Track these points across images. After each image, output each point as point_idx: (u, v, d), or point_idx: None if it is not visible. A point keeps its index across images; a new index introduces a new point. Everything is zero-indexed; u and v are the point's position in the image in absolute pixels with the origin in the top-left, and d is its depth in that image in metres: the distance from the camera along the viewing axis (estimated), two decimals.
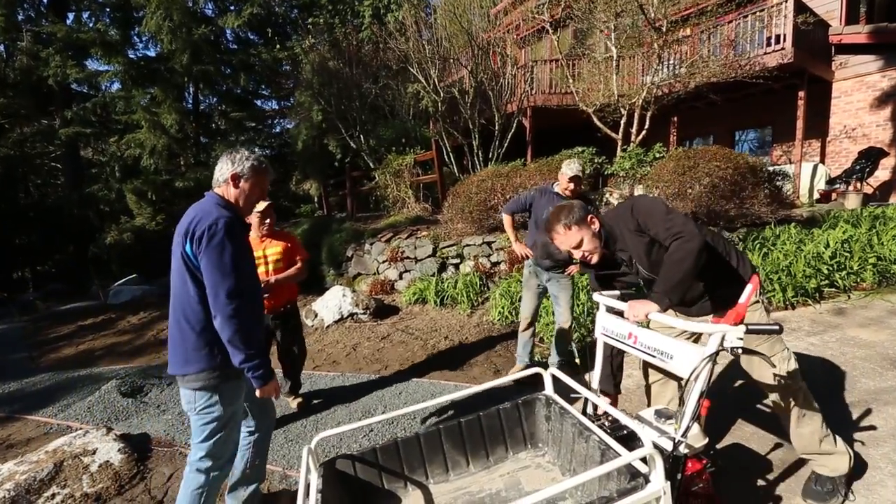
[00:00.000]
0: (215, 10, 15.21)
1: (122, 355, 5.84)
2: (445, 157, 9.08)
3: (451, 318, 5.37)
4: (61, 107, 14.75)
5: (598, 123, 8.23)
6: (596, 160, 7.91)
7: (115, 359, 5.71)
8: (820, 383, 2.90)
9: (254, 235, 3.23)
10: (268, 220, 3.24)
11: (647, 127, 7.60)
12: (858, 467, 2.18)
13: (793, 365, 1.92)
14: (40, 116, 15.28)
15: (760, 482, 2.21)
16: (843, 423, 2.55)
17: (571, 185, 3.28)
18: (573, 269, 3.38)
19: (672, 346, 1.58)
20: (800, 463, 2.25)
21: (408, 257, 6.58)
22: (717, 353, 1.46)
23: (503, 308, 5.02)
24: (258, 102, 17.49)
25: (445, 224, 6.84)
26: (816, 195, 8.75)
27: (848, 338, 3.65)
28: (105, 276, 12.13)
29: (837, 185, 8.48)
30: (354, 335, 5.21)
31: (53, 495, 2.71)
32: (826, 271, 4.44)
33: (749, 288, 1.52)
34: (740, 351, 1.45)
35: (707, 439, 1.77)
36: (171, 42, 13.52)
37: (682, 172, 5.74)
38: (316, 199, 16.81)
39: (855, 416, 2.67)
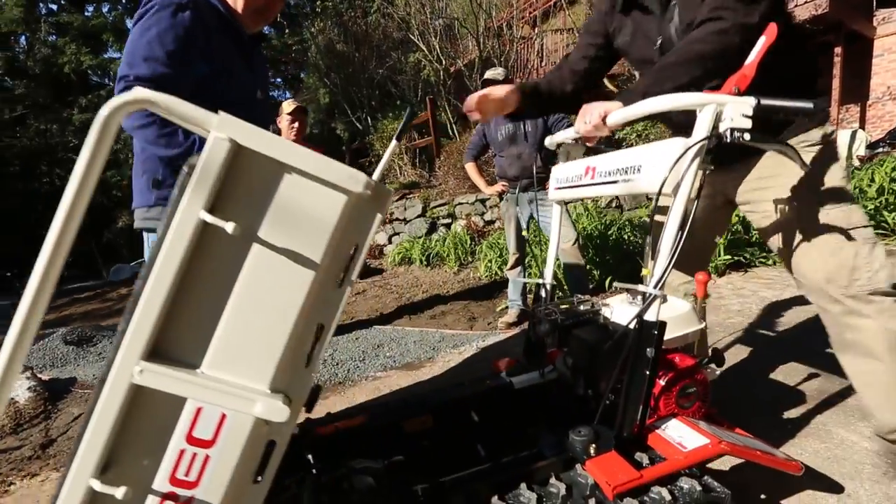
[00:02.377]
0: None
1: (97, 318, 5.58)
2: (450, 130, 8.61)
3: (435, 276, 4.88)
4: (78, 96, 15.00)
5: (612, 87, 7.64)
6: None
7: (89, 321, 5.45)
8: None
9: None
10: (296, 125, 3.02)
11: None
12: None
13: (878, 259, 1.14)
14: (60, 107, 15.57)
15: (791, 414, 1.64)
16: None
17: None
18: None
19: (641, 155, 1.03)
20: (846, 392, 1.67)
21: (397, 219, 6.12)
22: (707, 139, 0.91)
23: (490, 261, 4.49)
24: None
25: (439, 185, 6.36)
26: (856, 162, 7.86)
27: None
28: (119, 261, 12.14)
29: (881, 148, 7.59)
30: None
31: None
32: (872, 209, 3.73)
33: (762, 39, 0.95)
34: (746, 138, 0.90)
35: (704, 325, 1.23)
36: None
37: None
38: None
39: None
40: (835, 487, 1.28)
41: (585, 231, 4.06)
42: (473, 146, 3.17)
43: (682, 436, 1.01)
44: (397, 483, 1.12)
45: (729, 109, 0.90)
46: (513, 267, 3.15)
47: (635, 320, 0.97)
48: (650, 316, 0.97)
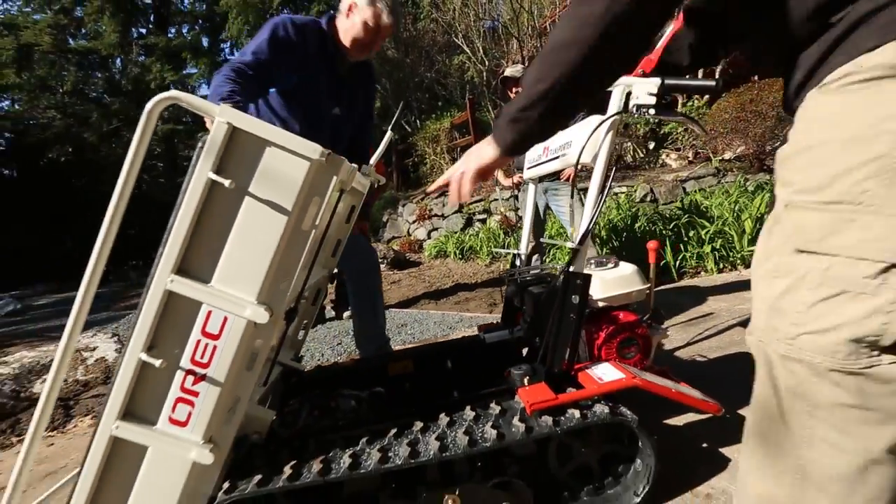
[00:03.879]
0: (290, 12, 16.40)
1: None
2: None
3: (467, 268, 5.11)
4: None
5: None
6: (651, 119, 7.23)
7: None
8: None
9: None
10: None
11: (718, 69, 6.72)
12: None
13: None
14: None
15: None
16: None
17: None
18: (569, 172, 2.98)
19: (572, 133, 1.22)
20: None
21: (435, 215, 6.42)
22: (619, 114, 1.08)
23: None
24: None
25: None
26: None
27: None
28: None
29: None
30: None
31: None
32: None
33: (670, 26, 1.10)
34: (652, 113, 1.06)
35: (649, 286, 1.39)
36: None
37: (742, 108, 4.95)
38: None
39: None
40: None
41: (611, 223, 4.11)
42: None
43: (605, 373, 1.18)
44: (374, 407, 1.38)
45: (636, 89, 1.07)
46: (530, 255, 3.31)
47: (564, 273, 1.16)
48: (577, 268, 1.15)
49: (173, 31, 17.48)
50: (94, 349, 3.27)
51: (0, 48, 13.70)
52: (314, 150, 0.92)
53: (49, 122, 15.54)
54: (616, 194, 5.45)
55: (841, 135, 0.57)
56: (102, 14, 14.82)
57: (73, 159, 16.16)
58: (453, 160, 8.38)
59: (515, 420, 1.09)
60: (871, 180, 0.53)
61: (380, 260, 5.60)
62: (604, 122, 1.09)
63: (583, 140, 1.13)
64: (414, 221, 6.76)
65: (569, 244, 1.17)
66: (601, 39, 0.66)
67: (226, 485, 1.01)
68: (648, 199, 5.21)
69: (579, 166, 1.14)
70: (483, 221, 5.98)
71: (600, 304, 1.34)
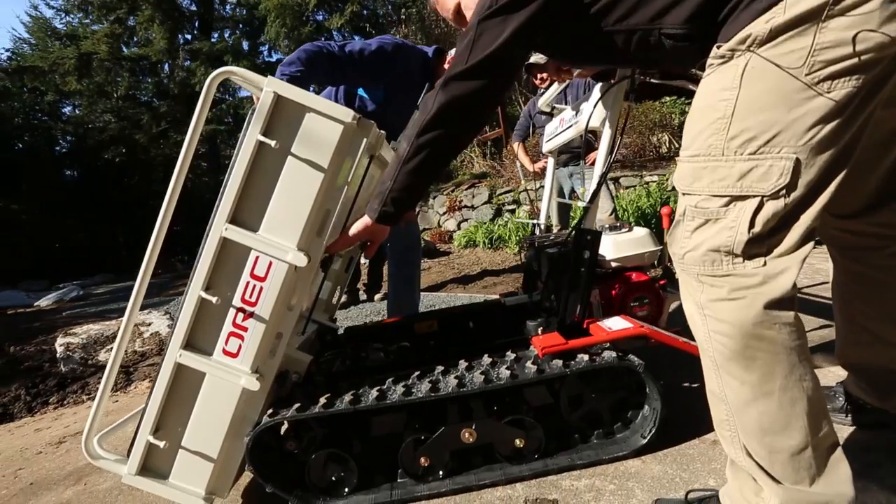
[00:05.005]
0: (325, 15, 16.86)
1: None
2: None
3: (496, 257, 5.19)
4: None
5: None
6: (687, 109, 7.12)
7: None
8: None
9: None
10: None
11: None
12: None
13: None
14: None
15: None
16: None
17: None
18: (594, 156, 3.02)
19: (582, 105, 1.31)
20: None
21: (465, 206, 6.52)
22: (625, 79, 1.16)
23: None
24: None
25: (506, 174, 6.64)
26: None
27: None
28: None
29: None
30: None
31: (111, 348, 3.25)
32: None
33: None
34: (654, 80, 1.14)
35: (660, 248, 1.45)
36: (287, 47, 15.32)
37: None
38: None
39: None
40: None
41: (640, 210, 4.10)
42: (520, 127, 3.45)
43: (614, 324, 1.25)
44: (399, 359, 1.50)
45: None
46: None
47: (576, 230, 1.25)
48: (587, 225, 1.23)
49: (216, 35, 18.34)
50: (150, 325, 3.57)
51: (64, 58, 14.81)
52: (346, 114, 1.04)
53: (105, 126, 16.67)
54: (647, 183, 5.39)
55: (699, 104, 0.79)
56: (152, 22, 15.77)
57: (126, 160, 17.25)
58: (483, 154, 8.48)
59: (528, 364, 1.18)
60: (714, 136, 0.74)
61: None
62: (610, 88, 1.17)
63: (590, 108, 1.21)
64: (444, 213, 6.88)
65: (580, 203, 1.24)
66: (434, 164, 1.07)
67: (269, 411, 1.15)
68: None
69: (589, 130, 1.22)
70: (512, 212, 6.03)
71: (613, 264, 1.41)
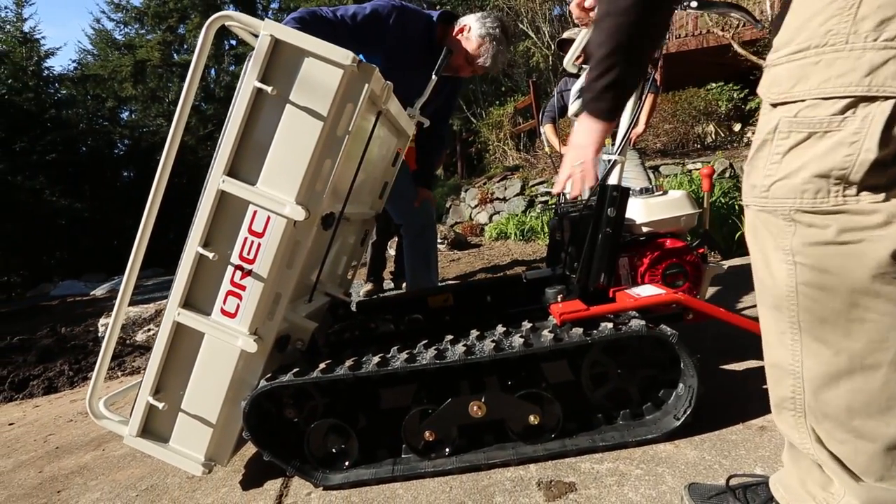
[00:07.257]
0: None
1: None
2: None
3: (527, 248, 5.03)
4: None
5: (741, 51, 6.85)
6: (736, 95, 6.74)
7: None
8: None
9: None
10: None
11: None
12: None
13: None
14: None
15: None
16: None
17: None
18: (635, 132, 2.82)
19: None
20: None
21: (497, 198, 6.39)
22: None
23: None
24: None
25: (539, 165, 6.46)
26: None
27: None
28: None
29: None
30: None
31: (149, 329, 3.36)
32: None
33: None
34: (694, 6, 1.01)
35: (699, 211, 1.30)
36: None
37: None
38: None
39: None
40: None
41: None
42: (551, 108, 3.30)
43: (643, 291, 1.12)
44: (410, 330, 1.42)
45: None
46: None
47: (600, 186, 1.12)
48: (612, 181, 1.11)
49: None
50: None
51: (122, 65, 15.77)
52: (346, 56, 0.97)
53: (157, 129, 17.61)
54: (689, 171, 5.08)
55: None
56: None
57: (175, 161, 18.16)
58: (517, 147, 8.30)
59: (545, 332, 1.07)
60: (834, 18, 0.55)
61: (439, 241, 5.71)
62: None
63: None
64: (476, 206, 6.78)
65: (605, 156, 1.12)
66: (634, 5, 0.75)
67: (268, 375, 1.10)
68: (728, 174, 4.80)
69: None
70: (545, 203, 5.85)
71: (644, 230, 1.28)
